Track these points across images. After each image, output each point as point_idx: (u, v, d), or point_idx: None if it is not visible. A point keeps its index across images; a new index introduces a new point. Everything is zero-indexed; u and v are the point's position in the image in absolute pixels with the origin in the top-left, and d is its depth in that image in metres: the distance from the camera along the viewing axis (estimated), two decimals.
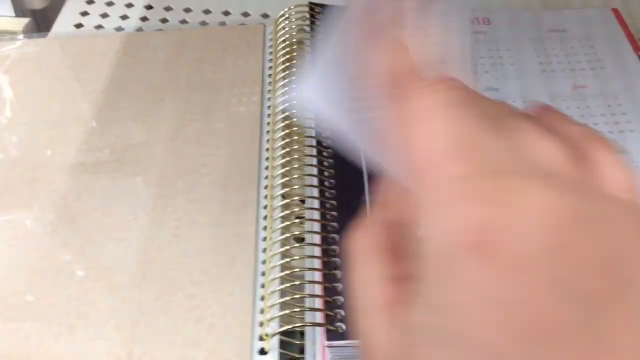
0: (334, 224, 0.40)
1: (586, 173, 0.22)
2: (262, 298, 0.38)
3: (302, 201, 0.42)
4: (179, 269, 0.39)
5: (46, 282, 0.39)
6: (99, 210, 0.42)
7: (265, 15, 0.59)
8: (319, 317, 0.37)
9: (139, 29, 0.58)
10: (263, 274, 0.39)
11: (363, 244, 0.24)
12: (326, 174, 0.43)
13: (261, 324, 0.37)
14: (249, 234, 0.41)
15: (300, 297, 0.38)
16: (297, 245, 0.40)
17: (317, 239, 0.40)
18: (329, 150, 0.44)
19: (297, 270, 0.39)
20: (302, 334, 0.38)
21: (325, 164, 0.43)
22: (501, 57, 0.51)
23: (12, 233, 0.41)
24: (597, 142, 0.25)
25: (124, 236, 0.41)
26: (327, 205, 0.41)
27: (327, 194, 0.42)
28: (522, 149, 0.21)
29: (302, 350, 0.37)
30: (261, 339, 0.37)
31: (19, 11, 0.59)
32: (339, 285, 0.38)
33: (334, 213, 0.41)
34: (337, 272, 0.38)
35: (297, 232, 0.40)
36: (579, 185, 0.21)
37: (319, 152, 0.44)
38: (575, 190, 0.21)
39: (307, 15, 0.53)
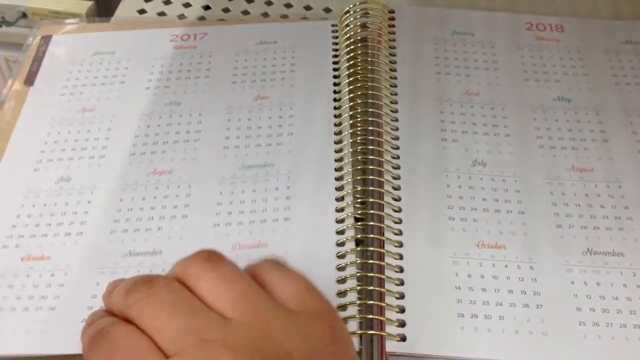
0: (398, 226, 0.40)
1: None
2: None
3: (364, 203, 0.42)
4: None
5: None
6: None
7: (327, 10, 0.58)
8: (376, 324, 0.36)
9: (201, 18, 0.57)
10: None
11: None
12: (393, 176, 0.42)
13: None
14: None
15: (359, 303, 0.37)
16: (357, 248, 0.40)
17: (376, 243, 0.39)
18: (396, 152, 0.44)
19: (358, 274, 0.38)
20: (360, 337, 0.37)
21: (393, 166, 0.43)
22: (574, 66, 0.49)
23: None
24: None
25: None
26: (391, 209, 0.41)
27: (392, 198, 0.41)
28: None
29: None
30: None
31: None
32: (401, 291, 0.37)
33: (399, 215, 0.40)
34: (400, 277, 0.38)
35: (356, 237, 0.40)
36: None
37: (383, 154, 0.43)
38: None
39: (372, 13, 0.52)
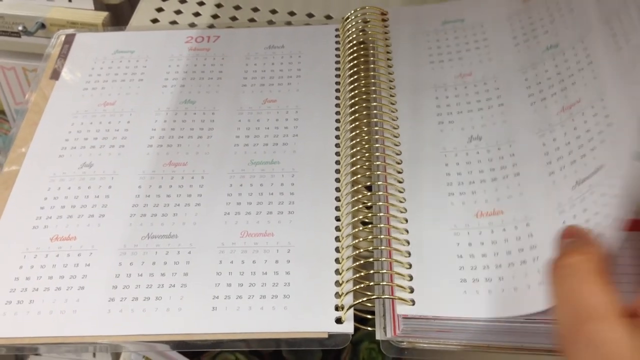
0: (403, 205, 0.44)
1: None
2: (338, 272, 0.41)
3: (369, 188, 0.45)
4: None
5: None
6: None
7: (328, 17, 0.62)
8: (388, 292, 0.40)
9: (211, 26, 0.61)
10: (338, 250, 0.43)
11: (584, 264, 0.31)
12: (395, 161, 0.46)
13: (338, 296, 0.40)
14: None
15: (372, 273, 0.41)
16: (366, 228, 0.43)
17: (383, 221, 0.43)
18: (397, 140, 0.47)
19: (370, 249, 0.42)
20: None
21: (396, 152, 0.47)
22: (562, 15, 0.50)
23: None
24: None
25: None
26: (395, 191, 0.44)
27: (397, 180, 0.45)
28: None
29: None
30: (337, 309, 0.40)
31: (98, 5, 0.63)
32: (409, 262, 0.41)
33: (403, 195, 0.44)
34: (407, 249, 0.41)
35: (366, 217, 0.44)
36: None
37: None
38: None
39: (369, 18, 0.56)
